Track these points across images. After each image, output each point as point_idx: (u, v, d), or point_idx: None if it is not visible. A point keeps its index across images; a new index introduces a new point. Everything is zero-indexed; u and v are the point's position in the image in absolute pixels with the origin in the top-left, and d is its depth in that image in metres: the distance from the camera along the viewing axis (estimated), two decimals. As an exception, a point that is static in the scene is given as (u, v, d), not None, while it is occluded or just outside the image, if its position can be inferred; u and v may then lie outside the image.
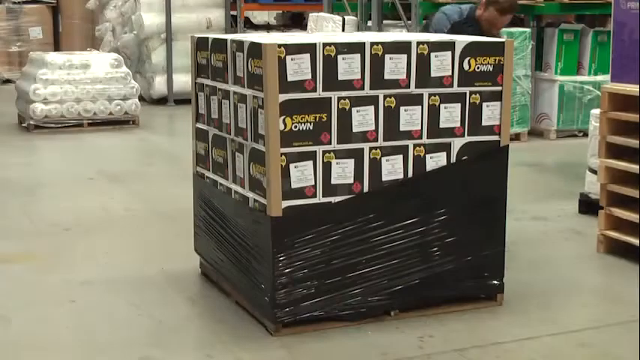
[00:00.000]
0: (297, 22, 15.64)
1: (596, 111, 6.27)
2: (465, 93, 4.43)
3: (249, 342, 4.22)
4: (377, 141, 4.29)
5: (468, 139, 4.48)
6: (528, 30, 9.85)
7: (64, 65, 10.44)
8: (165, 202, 6.87)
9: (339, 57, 4.18)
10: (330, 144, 4.22)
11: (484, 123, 4.49)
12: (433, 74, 4.35)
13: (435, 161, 4.43)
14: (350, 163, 4.27)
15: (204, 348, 4.22)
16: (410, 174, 4.38)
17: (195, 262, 5.20)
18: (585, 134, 7.96)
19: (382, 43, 4.25)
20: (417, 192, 4.40)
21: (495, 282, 4.61)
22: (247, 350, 4.14)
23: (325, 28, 10.81)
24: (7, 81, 15.08)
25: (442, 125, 4.41)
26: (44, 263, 5.47)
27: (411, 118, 4.34)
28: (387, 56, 4.25)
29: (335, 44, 4.18)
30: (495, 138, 4.54)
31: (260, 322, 4.37)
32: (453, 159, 4.46)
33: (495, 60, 4.47)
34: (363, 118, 4.24)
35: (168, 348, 4.19)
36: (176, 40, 12.68)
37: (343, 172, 4.26)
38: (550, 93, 9.97)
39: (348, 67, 4.20)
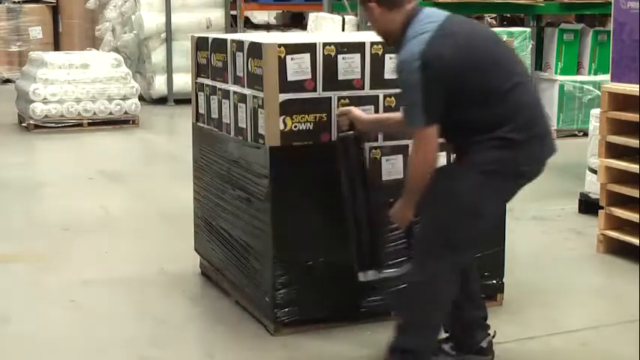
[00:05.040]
0: (297, 22, 15.63)
1: (596, 111, 6.27)
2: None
3: (249, 342, 4.22)
4: (377, 140, 4.29)
5: (468, 138, 4.46)
6: (528, 30, 9.84)
7: (64, 65, 10.44)
8: (165, 202, 6.87)
9: (339, 57, 4.18)
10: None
11: (484, 123, 4.48)
12: (433, 74, 4.34)
13: (435, 161, 4.41)
14: (350, 163, 4.26)
15: (205, 348, 4.22)
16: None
17: (195, 262, 5.20)
18: (585, 134, 7.95)
19: (382, 43, 4.24)
20: (417, 192, 4.39)
21: (495, 282, 4.61)
22: (247, 350, 4.14)
23: (325, 28, 10.81)
24: (7, 81, 15.07)
25: (442, 125, 4.40)
26: (44, 263, 5.47)
27: (411, 117, 4.33)
28: (387, 56, 4.24)
29: (335, 44, 4.18)
30: (495, 138, 4.52)
31: (260, 321, 4.37)
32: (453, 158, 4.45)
33: (495, 60, 4.46)
34: (363, 118, 4.24)
35: (169, 348, 4.19)
36: (176, 40, 12.67)
37: (343, 171, 4.26)
38: (550, 93, 9.97)
39: (348, 67, 4.19)
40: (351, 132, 4.03)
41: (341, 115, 4.07)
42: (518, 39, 9.46)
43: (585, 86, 9.85)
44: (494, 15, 12.65)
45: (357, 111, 4.04)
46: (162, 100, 12.81)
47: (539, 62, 10.15)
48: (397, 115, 3.99)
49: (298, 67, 4.11)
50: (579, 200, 6.54)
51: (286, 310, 4.22)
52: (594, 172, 6.05)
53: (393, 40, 3.64)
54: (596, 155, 5.87)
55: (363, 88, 4.23)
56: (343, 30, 10.60)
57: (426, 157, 3.53)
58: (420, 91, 3.41)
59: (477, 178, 3.51)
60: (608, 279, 5.33)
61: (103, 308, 4.70)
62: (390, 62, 4.24)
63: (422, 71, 3.40)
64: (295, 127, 4.13)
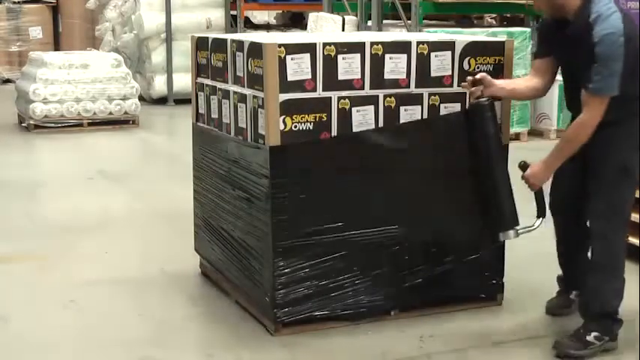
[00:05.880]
0: (297, 22, 15.64)
1: (596, 111, 6.25)
2: (465, 93, 4.42)
3: (249, 341, 4.22)
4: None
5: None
6: (528, 30, 9.84)
7: (64, 65, 10.45)
8: (166, 202, 6.87)
9: (339, 57, 4.18)
10: (330, 144, 4.22)
11: (484, 123, 4.49)
12: (433, 74, 4.35)
13: (435, 161, 4.42)
14: (350, 163, 4.27)
15: (205, 347, 4.22)
16: (410, 174, 4.38)
17: (195, 262, 5.20)
18: (585, 134, 7.94)
19: (382, 43, 4.25)
20: (417, 192, 4.40)
21: (495, 282, 4.61)
22: (248, 350, 4.14)
23: (325, 28, 10.82)
24: (7, 81, 15.09)
25: (442, 125, 4.42)
26: (44, 263, 5.47)
27: (410, 118, 4.33)
28: (387, 56, 4.25)
29: (335, 44, 4.18)
30: (495, 138, 4.53)
31: (260, 321, 4.37)
32: (453, 159, 4.46)
33: (495, 60, 4.47)
34: (363, 118, 4.24)
35: (169, 348, 4.19)
36: (176, 40, 12.69)
37: (343, 171, 4.26)
38: (550, 93, 9.90)
39: (348, 67, 4.20)
40: (485, 99, 4.20)
41: (474, 82, 4.18)
42: (519, 39, 9.46)
43: (585, 86, 9.84)
44: (494, 15, 12.66)
45: (488, 76, 4.20)
46: (162, 100, 12.82)
47: (539, 62, 10.14)
48: (520, 83, 4.43)
49: (298, 67, 4.11)
50: (579, 200, 6.53)
51: (286, 310, 4.22)
52: (594, 172, 6.04)
53: (559, 15, 4.04)
54: (596, 155, 5.86)
55: (363, 88, 4.23)
56: (343, 30, 10.61)
57: (593, 122, 3.92)
58: (622, 63, 3.80)
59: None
60: (608, 279, 5.31)
61: (103, 308, 4.70)
62: (390, 62, 4.25)
63: (624, 46, 3.80)
64: (295, 127, 4.13)
